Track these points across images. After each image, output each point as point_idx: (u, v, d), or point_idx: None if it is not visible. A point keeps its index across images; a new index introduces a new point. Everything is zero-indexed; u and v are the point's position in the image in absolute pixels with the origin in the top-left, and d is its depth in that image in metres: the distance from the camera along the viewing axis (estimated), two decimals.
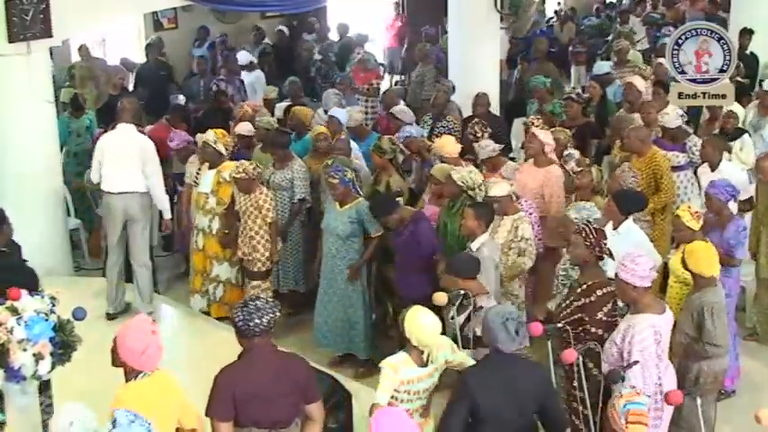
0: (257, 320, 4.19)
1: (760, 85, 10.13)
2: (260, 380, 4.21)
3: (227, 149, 7.62)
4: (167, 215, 7.45)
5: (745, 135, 8.45)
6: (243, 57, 12.26)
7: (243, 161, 7.18)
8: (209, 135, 7.51)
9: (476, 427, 4.37)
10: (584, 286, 5.33)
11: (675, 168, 7.80)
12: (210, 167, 7.53)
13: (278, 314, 4.31)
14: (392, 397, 4.57)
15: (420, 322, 4.54)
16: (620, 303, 5.23)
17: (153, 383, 4.07)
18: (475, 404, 4.28)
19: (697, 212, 5.91)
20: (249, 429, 4.27)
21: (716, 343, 5.29)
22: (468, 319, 5.28)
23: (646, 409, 3.96)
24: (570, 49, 13.96)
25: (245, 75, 12.17)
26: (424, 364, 4.60)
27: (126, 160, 7.13)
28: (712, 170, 7.42)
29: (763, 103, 9.04)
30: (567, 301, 5.43)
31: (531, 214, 6.78)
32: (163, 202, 7.38)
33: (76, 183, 8.99)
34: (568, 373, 5.30)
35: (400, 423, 3.71)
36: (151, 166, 7.19)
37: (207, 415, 4.23)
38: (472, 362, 4.80)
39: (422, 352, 4.57)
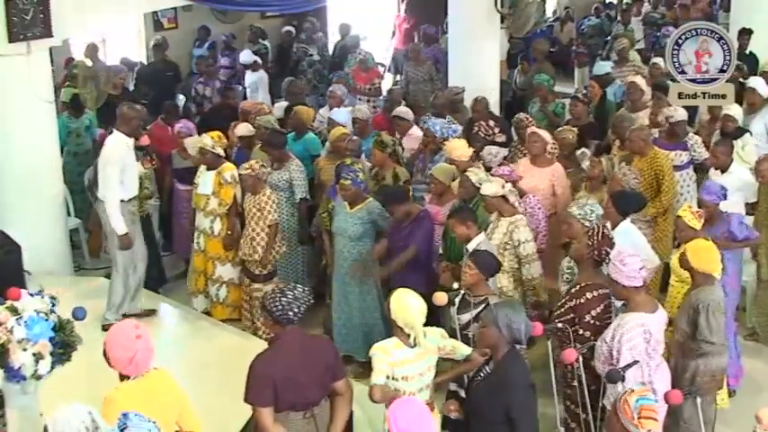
0: (295, 309, 4.32)
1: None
2: (295, 364, 4.31)
3: (225, 151, 7.60)
4: (119, 231, 6.77)
5: (747, 134, 8.45)
6: (246, 56, 12.26)
7: (251, 161, 7.16)
8: (207, 141, 7.43)
9: None
10: (578, 287, 5.35)
11: (677, 168, 7.81)
12: (209, 169, 7.51)
13: (311, 301, 4.43)
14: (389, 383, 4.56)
15: (406, 302, 4.59)
16: (618, 304, 5.23)
17: (147, 383, 4.04)
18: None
19: (698, 212, 5.91)
20: (286, 414, 4.33)
21: (709, 340, 5.28)
22: (475, 319, 5.25)
23: (657, 406, 3.99)
24: (573, 48, 13.94)
25: (248, 74, 12.17)
26: (412, 346, 4.61)
27: (99, 167, 6.96)
28: (722, 173, 7.41)
29: (749, 101, 9.02)
30: (563, 300, 5.43)
31: (539, 209, 6.79)
32: (110, 215, 6.78)
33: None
34: (566, 374, 5.30)
35: (415, 410, 3.78)
36: (104, 175, 6.81)
37: (247, 401, 4.27)
38: (467, 348, 4.81)
39: (408, 335, 4.60)
